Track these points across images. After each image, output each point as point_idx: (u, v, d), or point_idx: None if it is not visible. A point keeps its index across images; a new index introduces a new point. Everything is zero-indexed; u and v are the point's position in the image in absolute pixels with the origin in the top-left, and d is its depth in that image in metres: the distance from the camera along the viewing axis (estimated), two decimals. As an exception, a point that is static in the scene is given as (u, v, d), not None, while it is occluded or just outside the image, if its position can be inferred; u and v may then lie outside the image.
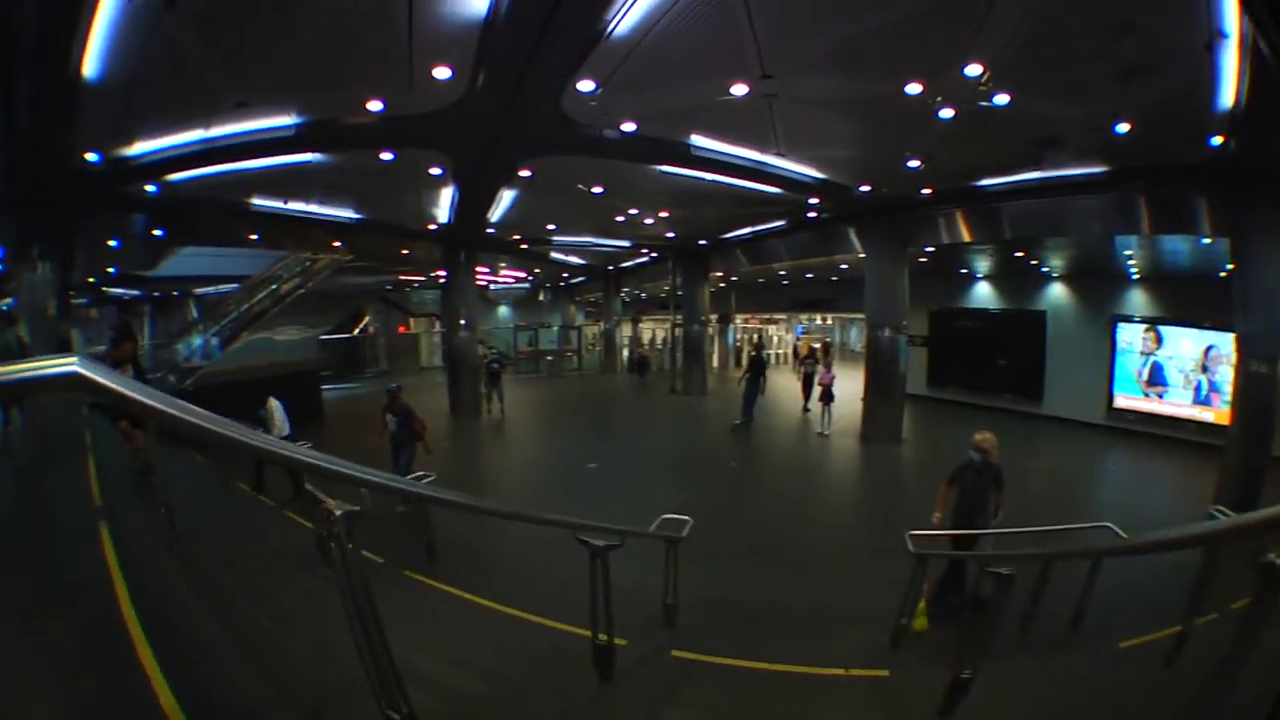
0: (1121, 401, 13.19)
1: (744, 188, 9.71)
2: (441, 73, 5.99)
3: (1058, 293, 14.57)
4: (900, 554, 4.66)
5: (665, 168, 9.09)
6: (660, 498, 8.09)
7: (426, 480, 5.43)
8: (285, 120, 7.30)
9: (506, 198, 11.41)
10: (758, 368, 13.73)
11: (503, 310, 30.14)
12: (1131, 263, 12.15)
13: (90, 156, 7.97)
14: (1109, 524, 4.32)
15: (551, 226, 15.05)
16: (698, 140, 8.05)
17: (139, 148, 7.93)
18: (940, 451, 11.00)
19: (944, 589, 4.74)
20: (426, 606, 4.73)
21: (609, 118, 7.19)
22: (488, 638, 4.09)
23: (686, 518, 4.56)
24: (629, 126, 7.49)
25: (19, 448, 5.01)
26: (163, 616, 2.71)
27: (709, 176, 9.24)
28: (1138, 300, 13.21)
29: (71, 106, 6.56)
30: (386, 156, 8.74)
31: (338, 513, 1.68)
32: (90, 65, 5.79)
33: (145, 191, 9.56)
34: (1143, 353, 12.86)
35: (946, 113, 6.49)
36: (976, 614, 4.49)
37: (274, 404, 8.42)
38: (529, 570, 5.14)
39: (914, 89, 6.06)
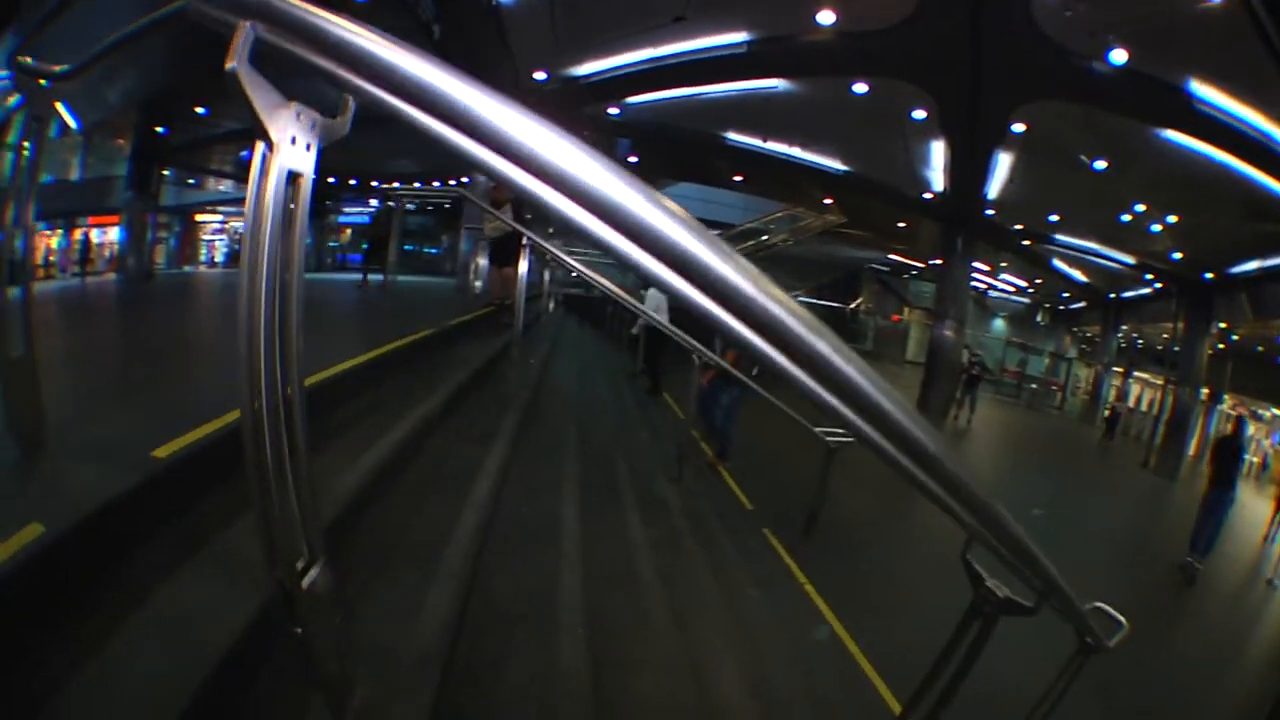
0: None
1: (1251, 180, 8.06)
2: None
3: None
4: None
5: (1167, 133, 7.93)
6: (1089, 589, 6.09)
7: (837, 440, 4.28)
8: (735, 37, 7.07)
9: (1003, 165, 10.37)
10: (1229, 457, 7.93)
11: (997, 323, 28.01)
12: None
13: (539, 75, 8.36)
14: None
15: (1053, 218, 13.41)
16: (1198, 88, 6.89)
17: (588, 68, 8.13)
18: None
19: None
20: (746, 575, 4.18)
21: (1092, 40, 6.35)
22: (771, 656, 3.25)
23: (1121, 619, 2.76)
24: (1119, 57, 6.60)
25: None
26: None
27: (1215, 155, 7.79)
28: None
29: (496, 27, 6.95)
30: (860, 89, 8.16)
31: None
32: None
33: (608, 114, 9.86)
34: None
35: None
36: None
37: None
38: (912, 582, 4.33)
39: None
